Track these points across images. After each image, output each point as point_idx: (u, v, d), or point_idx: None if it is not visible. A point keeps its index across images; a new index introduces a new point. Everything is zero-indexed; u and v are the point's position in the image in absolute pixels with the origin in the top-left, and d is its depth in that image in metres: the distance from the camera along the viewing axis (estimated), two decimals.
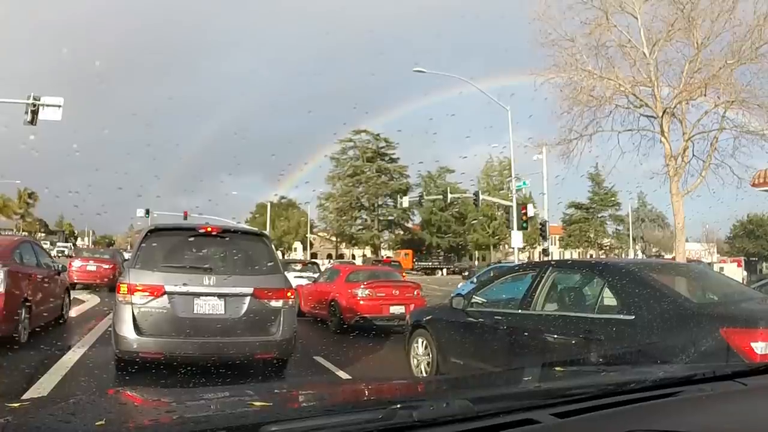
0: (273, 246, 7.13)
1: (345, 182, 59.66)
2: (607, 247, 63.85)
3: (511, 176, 29.63)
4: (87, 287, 17.80)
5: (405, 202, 43.49)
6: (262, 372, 6.48)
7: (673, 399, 1.90)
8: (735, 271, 22.98)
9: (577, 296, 5.61)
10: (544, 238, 28.63)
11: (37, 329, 8.47)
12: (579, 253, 62.63)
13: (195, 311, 5.92)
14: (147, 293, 5.85)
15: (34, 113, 17.54)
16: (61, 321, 10.11)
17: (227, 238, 6.69)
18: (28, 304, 7.94)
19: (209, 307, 5.97)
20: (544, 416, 1.65)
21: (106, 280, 17.70)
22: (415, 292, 12.27)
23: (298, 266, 20.17)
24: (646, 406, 1.80)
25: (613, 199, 60.65)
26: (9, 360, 6.76)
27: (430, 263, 62.34)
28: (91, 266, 18.37)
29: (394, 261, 43.34)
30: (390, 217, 61.87)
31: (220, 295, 5.99)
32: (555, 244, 60.59)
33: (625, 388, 1.96)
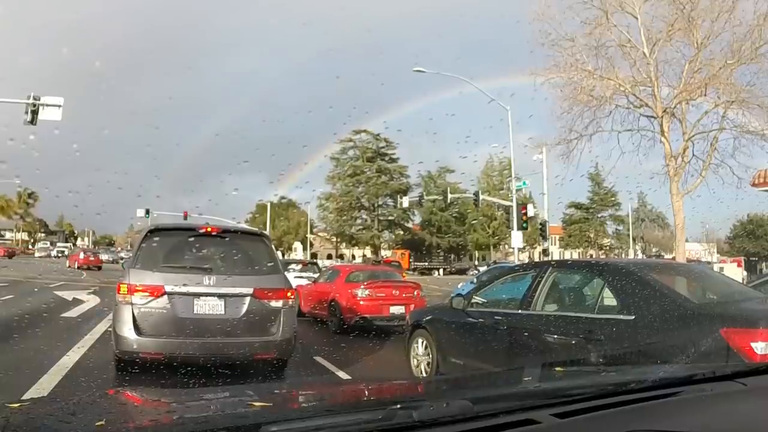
0: (273, 246, 7.13)
1: (345, 182, 59.55)
2: (607, 247, 63.81)
3: (511, 176, 29.64)
4: None
5: (405, 202, 43.51)
6: (262, 372, 6.47)
7: (673, 399, 1.90)
8: (735, 271, 22.86)
9: (578, 296, 5.61)
10: (544, 238, 28.65)
11: None
12: (579, 253, 62.60)
13: (195, 311, 5.91)
14: (147, 293, 5.84)
15: (34, 113, 17.55)
16: None
17: (227, 238, 6.68)
18: None
19: (209, 307, 5.97)
20: (544, 416, 1.65)
21: None
22: (416, 293, 12.22)
23: (298, 266, 20.19)
24: (646, 406, 1.80)
25: (613, 199, 60.60)
26: (9, 360, 6.76)
27: (427, 263, 62.23)
28: None
29: (394, 261, 43.28)
30: (390, 217, 61.74)
31: (220, 296, 5.99)
32: (555, 244, 60.60)
33: (625, 388, 1.96)
